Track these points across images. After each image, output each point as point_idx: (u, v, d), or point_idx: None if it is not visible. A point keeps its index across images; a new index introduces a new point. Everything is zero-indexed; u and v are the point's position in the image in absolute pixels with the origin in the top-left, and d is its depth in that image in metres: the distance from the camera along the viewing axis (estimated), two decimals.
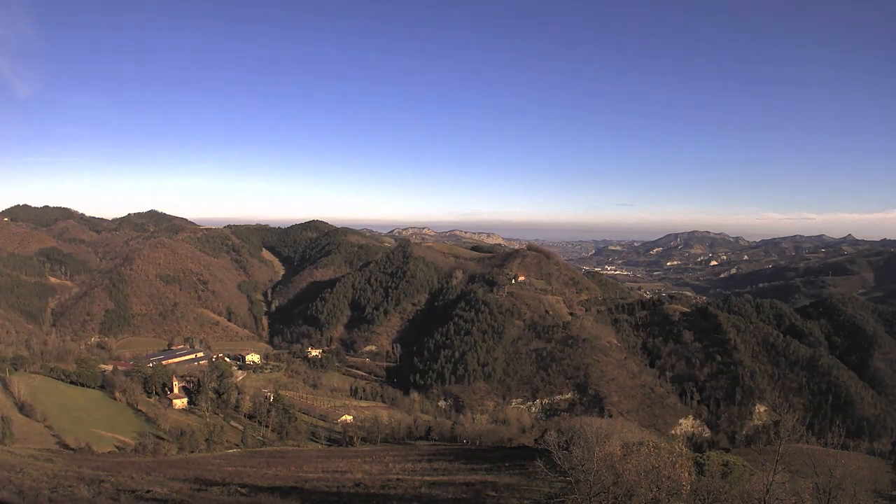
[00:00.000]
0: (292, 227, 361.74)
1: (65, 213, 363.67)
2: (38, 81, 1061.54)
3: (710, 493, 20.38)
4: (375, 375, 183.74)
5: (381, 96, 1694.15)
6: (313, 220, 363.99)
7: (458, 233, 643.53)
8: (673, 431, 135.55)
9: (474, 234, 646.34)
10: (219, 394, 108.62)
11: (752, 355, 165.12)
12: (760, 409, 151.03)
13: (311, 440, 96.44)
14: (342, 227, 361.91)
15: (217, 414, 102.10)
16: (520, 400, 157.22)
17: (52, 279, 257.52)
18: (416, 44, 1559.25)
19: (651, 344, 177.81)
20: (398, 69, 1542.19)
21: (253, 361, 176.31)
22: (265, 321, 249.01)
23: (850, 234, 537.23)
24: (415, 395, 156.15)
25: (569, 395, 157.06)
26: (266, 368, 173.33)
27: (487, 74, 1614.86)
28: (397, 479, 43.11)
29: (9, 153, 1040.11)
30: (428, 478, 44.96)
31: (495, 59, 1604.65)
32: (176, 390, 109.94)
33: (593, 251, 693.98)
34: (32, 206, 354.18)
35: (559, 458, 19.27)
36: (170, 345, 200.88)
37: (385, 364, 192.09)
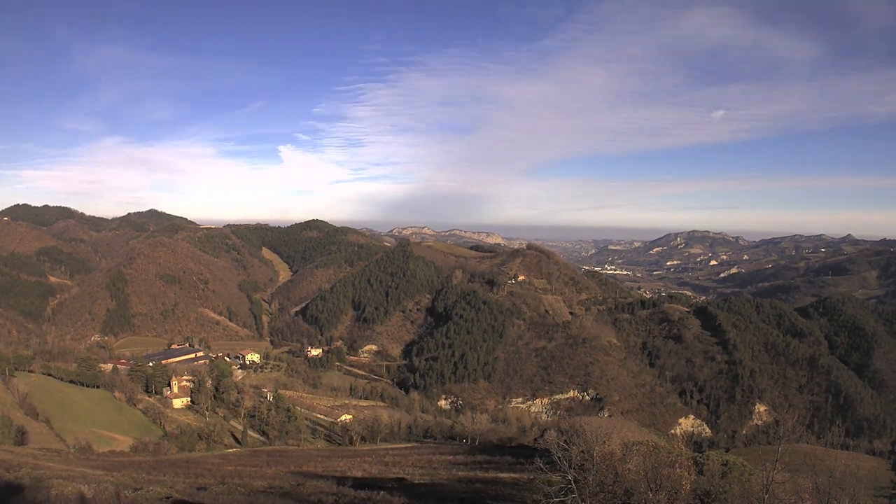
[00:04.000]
0: (292, 226, 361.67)
1: (65, 213, 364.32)
2: (36, 79, 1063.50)
3: (709, 493, 20.37)
4: (376, 375, 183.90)
5: (379, 93, 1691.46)
6: (313, 220, 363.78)
7: (458, 232, 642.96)
8: (673, 431, 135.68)
9: (474, 233, 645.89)
10: (219, 393, 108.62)
11: (752, 355, 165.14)
12: (760, 408, 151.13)
13: (311, 439, 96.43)
14: (342, 227, 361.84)
15: (217, 413, 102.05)
16: (520, 399, 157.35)
17: (52, 279, 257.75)
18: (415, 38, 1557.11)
19: (651, 343, 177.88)
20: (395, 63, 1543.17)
21: (253, 361, 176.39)
22: (265, 321, 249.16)
23: (850, 234, 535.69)
24: (415, 394, 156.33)
25: (569, 395, 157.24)
26: (266, 368, 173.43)
27: (486, 72, 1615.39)
28: (398, 479, 43.12)
29: (9, 152, 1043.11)
30: (427, 476, 44.98)
31: (494, 60, 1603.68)
32: (176, 390, 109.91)
33: (593, 251, 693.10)
34: (32, 205, 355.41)
35: (559, 458, 19.24)
36: (170, 344, 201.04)
37: (385, 364, 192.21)
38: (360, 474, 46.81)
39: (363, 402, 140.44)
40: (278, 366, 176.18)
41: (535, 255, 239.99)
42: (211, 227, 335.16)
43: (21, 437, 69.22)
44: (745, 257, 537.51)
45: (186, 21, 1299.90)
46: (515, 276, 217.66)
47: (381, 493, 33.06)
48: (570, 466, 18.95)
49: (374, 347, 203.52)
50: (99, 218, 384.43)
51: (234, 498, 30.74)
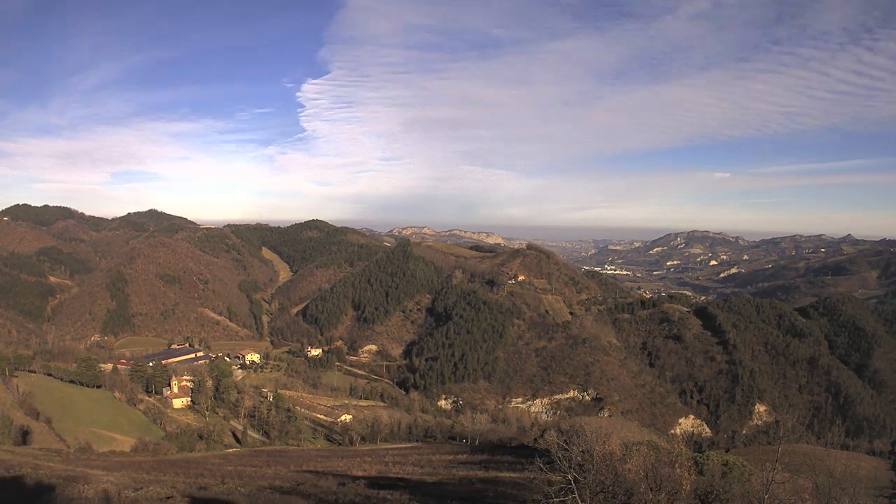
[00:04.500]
0: (292, 226, 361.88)
1: (65, 213, 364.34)
2: (36, 78, 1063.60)
3: (709, 493, 20.39)
4: (376, 375, 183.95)
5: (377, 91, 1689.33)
6: (313, 220, 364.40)
7: (457, 232, 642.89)
8: (673, 431, 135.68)
9: (474, 233, 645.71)
10: (219, 393, 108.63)
11: (752, 355, 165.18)
12: (760, 408, 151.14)
13: (312, 440, 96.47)
14: (342, 227, 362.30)
15: (217, 413, 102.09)
16: (520, 399, 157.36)
17: (52, 278, 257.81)
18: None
19: (651, 344, 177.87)
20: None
21: (253, 361, 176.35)
22: (265, 321, 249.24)
23: (850, 234, 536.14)
24: (415, 394, 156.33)
25: (569, 395, 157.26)
26: (266, 368, 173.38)
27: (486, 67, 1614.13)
28: (398, 478, 43.13)
29: (9, 151, 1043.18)
30: (427, 476, 45.00)
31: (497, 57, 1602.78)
32: (176, 390, 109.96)
33: (593, 251, 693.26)
34: (32, 205, 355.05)
35: (559, 458, 19.25)
36: (170, 345, 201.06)
37: (385, 363, 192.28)
38: (360, 474, 46.80)
39: (363, 402, 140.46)
40: (278, 366, 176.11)
41: (535, 255, 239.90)
42: (211, 227, 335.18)
43: (21, 437, 69.24)
44: (745, 257, 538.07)
45: (180, 17, 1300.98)
46: (515, 276, 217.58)
47: (382, 491, 33.10)
48: (570, 466, 18.96)
49: (374, 347, 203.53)
50: (99, 218, 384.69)
51: (234, 498, 30.80)
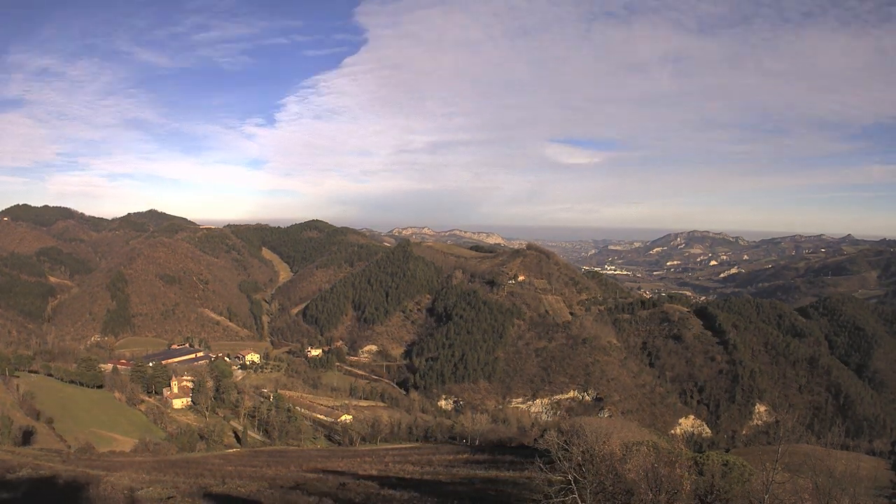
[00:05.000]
0: (292, 226, 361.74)
1: (65, 213, 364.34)
2: (36, 78, 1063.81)
3: (709, 493, 20.43)
4: (376, 375, 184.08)
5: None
6: (313, 220, 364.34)
7: (457, 232, 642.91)
8: (673, 431, 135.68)
9: (474, 233, 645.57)
10: (219, 393, 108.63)
11: (752, 355, 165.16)
12: (760, 408, 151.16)
13: (312, 440, 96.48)
14: (342, 227, 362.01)
15: (217, 414, 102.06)
16: (520, 399, 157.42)
17: (52, 279, 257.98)
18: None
19: (651, 344, 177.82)
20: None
21: (253, 361, 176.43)
22: (265, 321, 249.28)
23: (849, 234, 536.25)
24: (415, 394, 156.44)
25: (569, 395, 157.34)
26: (266, 368, 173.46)
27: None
28: (399, 478, 43.17)
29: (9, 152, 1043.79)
30: (428, 476, 45.04)
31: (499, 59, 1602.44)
32: (176, 390, 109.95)
33: (593, 251, 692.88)
34: (32, 205, 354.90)
35: (559, 458, 19.29)
36: (170, 345, 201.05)
37: (386, 364, 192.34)
38: (361, 473, 46.84)
39: (363, 403, 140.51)
40: (278, 366, 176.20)
41: (535, 256, 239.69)
42: (211, 228, 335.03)
43: (22, 438, 69.27)
44: (745, 257, 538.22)
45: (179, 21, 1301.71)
46: (515, 277, 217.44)
47: (383, 490, 33.16)
48: (570, 466, 18.99)
49: (374, 347, 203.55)
50: (99, 218, 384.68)
51: (237, 496, 30.87)
